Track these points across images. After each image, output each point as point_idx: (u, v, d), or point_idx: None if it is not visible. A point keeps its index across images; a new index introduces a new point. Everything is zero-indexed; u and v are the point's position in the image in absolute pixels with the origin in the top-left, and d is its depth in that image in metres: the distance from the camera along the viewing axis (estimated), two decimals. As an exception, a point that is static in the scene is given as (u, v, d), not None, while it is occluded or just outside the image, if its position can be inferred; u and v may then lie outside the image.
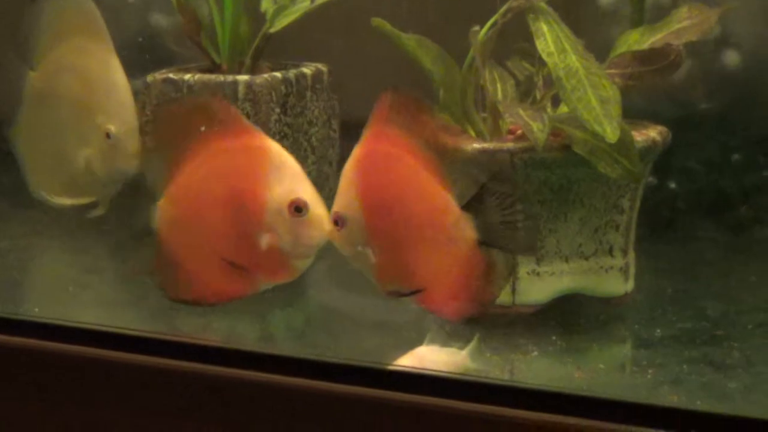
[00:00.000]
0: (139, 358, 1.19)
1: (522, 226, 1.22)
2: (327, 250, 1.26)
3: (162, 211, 1.26)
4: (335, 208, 1.24)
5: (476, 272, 1.22)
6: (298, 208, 1.21)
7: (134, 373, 1.19)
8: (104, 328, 1.27)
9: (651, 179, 1.57)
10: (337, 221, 1.23)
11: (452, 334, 1.28)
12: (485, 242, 1.22)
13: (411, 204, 1.21)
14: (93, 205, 1.65)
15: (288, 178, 1.22)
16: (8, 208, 1.84)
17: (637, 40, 1.39)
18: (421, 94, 1.24)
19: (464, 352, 1.20)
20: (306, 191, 1.22)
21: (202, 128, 1.24)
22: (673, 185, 1.63)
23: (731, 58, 1.61)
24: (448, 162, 1.22)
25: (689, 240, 1.62)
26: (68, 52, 1.64)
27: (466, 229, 1.22)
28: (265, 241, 1.22)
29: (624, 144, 1.29)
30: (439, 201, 1.22)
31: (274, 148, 1.24)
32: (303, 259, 1.24)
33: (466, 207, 1.22)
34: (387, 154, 1.22)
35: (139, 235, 1.27)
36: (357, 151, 1.24)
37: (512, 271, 1.27)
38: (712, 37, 1.51)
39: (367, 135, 1.23)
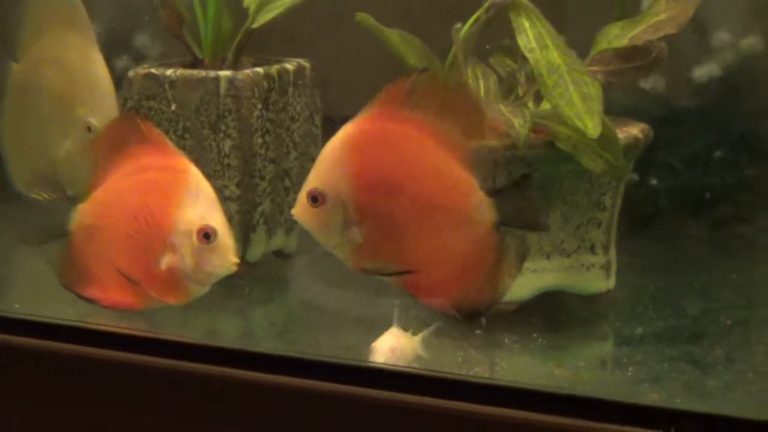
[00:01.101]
0: (121, 355, 1.19)
1: (534, 204, 1.19)
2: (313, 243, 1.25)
3: (80, 215, 1.30)
4: (312, 184, 1.20)
5: (489, 257, 1.19)
6: (207, 235, 1.22)
7: (117, 370, 1.19)
8: (87, 325, 1.27)
9: (633, 176, 1.57)
10: (316, 197, 1.19)
11: (417, 317, 1.27)
12: (503, 223, 1.18)
13: (421, 184, 1.18)
14: (73, 199, 1.64)
15: (202, 204, 1.23)
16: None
17: (617, 35, 1.38)
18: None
19: (416, 338, 1.20)
20: (218, 220, 1.23)
21: None
22: (654, 182, 1.64)
23: (711, 55, 1.61)
24: (478, 144, 1.19)
25: (671, 237, 1.62)
26: (51, 44, 1.63)
27: (487, 212, 1.18)
28: (166, 260, 1.23)
29: (607, 139, 1.29)
30: (460, 184, 1.18)
31: (195, 173, 1.25)
32: (200, 285, 1.24)
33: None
34: (390, 131, 1.18)
35: (62, 233, 1.30)
36: (347, 129, 1.20)
37: (524, 260, 1.21)
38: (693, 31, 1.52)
39: (364, 114, 1.19)
